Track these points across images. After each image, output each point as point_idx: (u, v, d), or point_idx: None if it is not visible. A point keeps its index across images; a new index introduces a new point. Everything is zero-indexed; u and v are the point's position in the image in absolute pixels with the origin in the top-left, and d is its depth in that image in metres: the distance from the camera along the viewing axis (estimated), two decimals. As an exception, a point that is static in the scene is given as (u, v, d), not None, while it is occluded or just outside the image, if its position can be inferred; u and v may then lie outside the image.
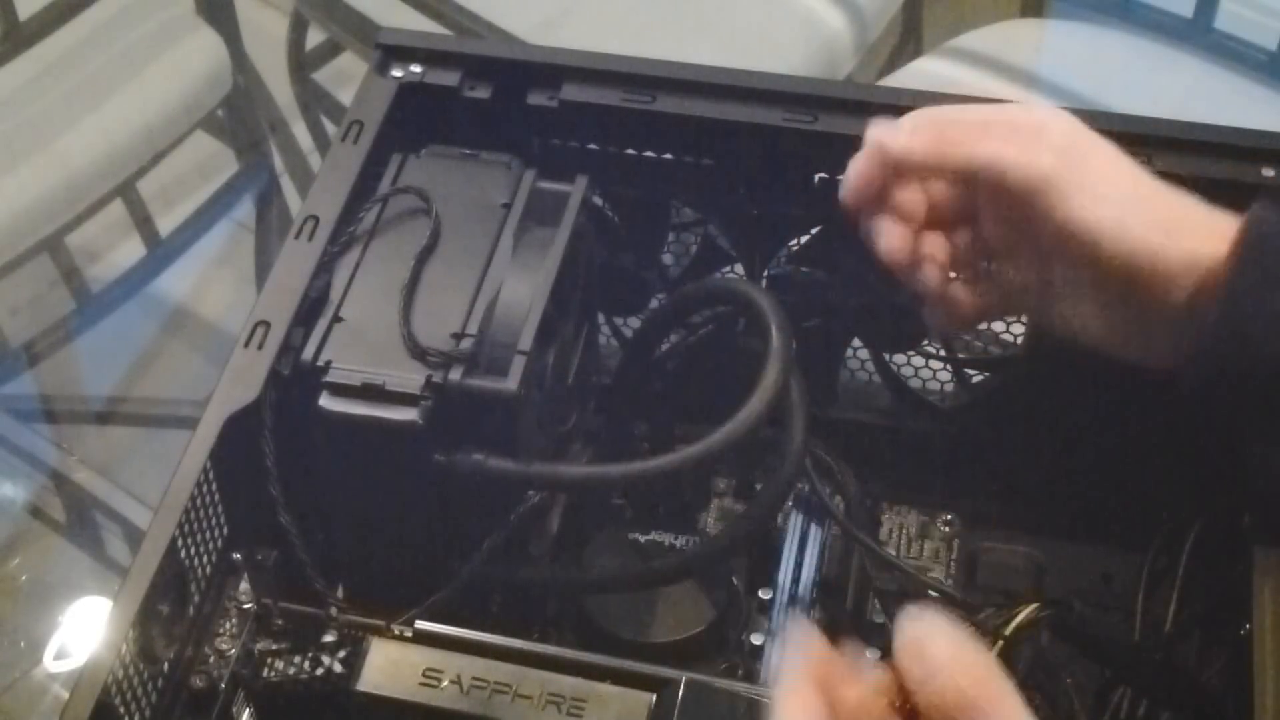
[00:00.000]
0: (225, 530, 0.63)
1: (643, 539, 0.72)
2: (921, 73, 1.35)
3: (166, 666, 0.60)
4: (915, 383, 0.78)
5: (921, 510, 0.76)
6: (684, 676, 0.59)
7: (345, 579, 0.65)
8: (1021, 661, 0.63)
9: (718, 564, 0.69)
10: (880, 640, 0.68)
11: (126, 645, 0.56)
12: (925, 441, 0.77)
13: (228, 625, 0.62)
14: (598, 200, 0.74)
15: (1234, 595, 0.63)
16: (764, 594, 0.70)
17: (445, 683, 0.60)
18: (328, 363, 0.60)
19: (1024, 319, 0.75)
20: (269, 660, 0.61)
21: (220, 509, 0.62)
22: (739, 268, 0.77)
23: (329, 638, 0.61)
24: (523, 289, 0.63)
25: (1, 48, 1.38)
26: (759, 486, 0.75)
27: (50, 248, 1.41)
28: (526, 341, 0.61)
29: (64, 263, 1.51)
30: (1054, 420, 0.73)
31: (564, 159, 0.72)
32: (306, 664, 0.61)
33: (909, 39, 1.60)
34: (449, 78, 0.73)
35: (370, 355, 0.60)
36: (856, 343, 0.78)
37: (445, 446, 0.60)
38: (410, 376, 0.59)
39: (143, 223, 1.53)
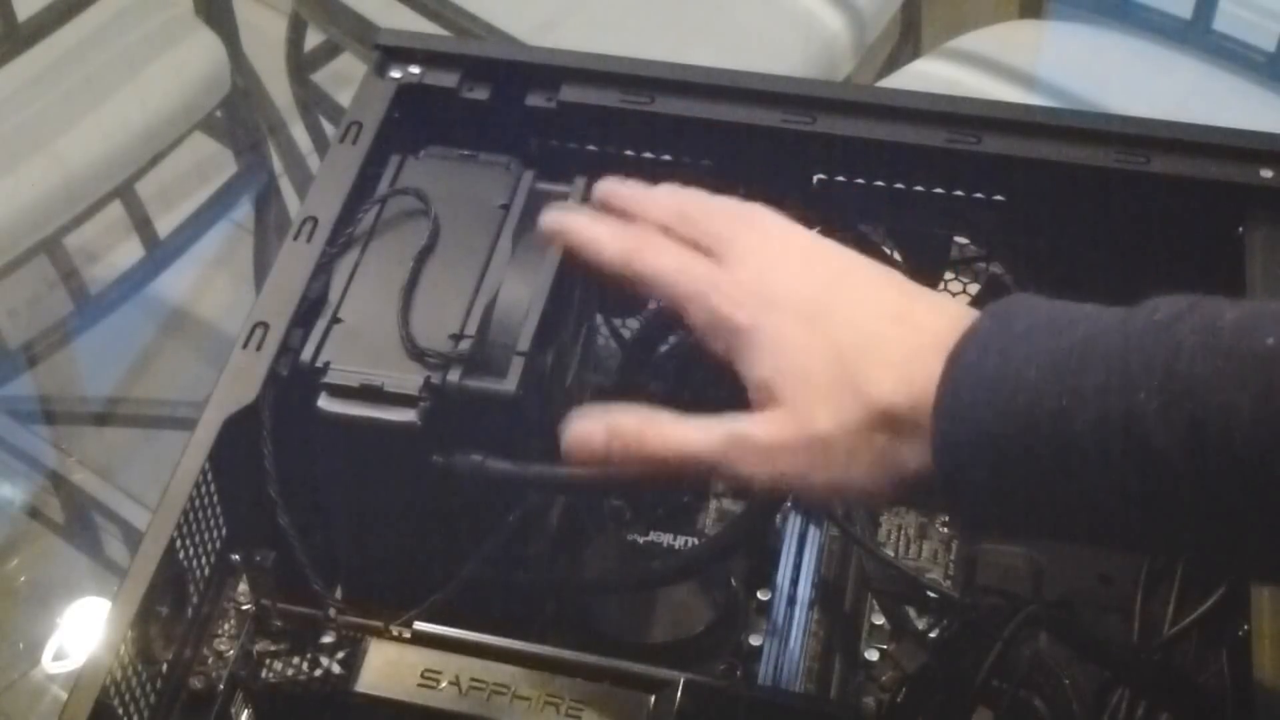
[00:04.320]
0: (224, 531, 0.63)
1: (641, 540, 0.72)
2: (920, 74, 1.35)
3: (165, 667, 0.60)
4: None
5: (920, 511, 0.76)
6: (682, 678, 0.59)
7: (344, 580, 0.65)
8: (1020, 663, 0.63)
9: (716, 565, 0.69)
10: (880, 641, 0.68)
11: (125, 646, 0.56)
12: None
13: (226, 626, 0.62)
14: (596, 201, 0.73)
15: (1233, 595, 0.63)
16: (763, 595, 0.70)
17: (444, 684, 0.60)
18: (326, 364, 0.60)
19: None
20: (267, 661, 0.61)
21: (219, 510, 0.62)
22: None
23: (327, 639, 0.61)
24: (521, 290, 0.63)
25: (1, 48, 1.38)
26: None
27: (49, 249, 1.41)
28: (525, 343, 0.61)
29: (63, 264, 1.51)
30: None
31: (563, 160, 0.72)
32: (305, 665, 0.61)
33: (908, 40, 1.61)
34: (448, 79, 0.73)
35: (369, 356, 0.60)
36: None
37: (444, 448, 0.60)
38: (409, 378, 0.59)
39: (141, 224, 1.53)
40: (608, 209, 0.60)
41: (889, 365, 0.51)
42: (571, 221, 0.60)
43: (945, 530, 0.75)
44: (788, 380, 0.52)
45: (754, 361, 0.53)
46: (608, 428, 0.54)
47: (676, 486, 0.74)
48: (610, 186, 0.61)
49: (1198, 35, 1.32)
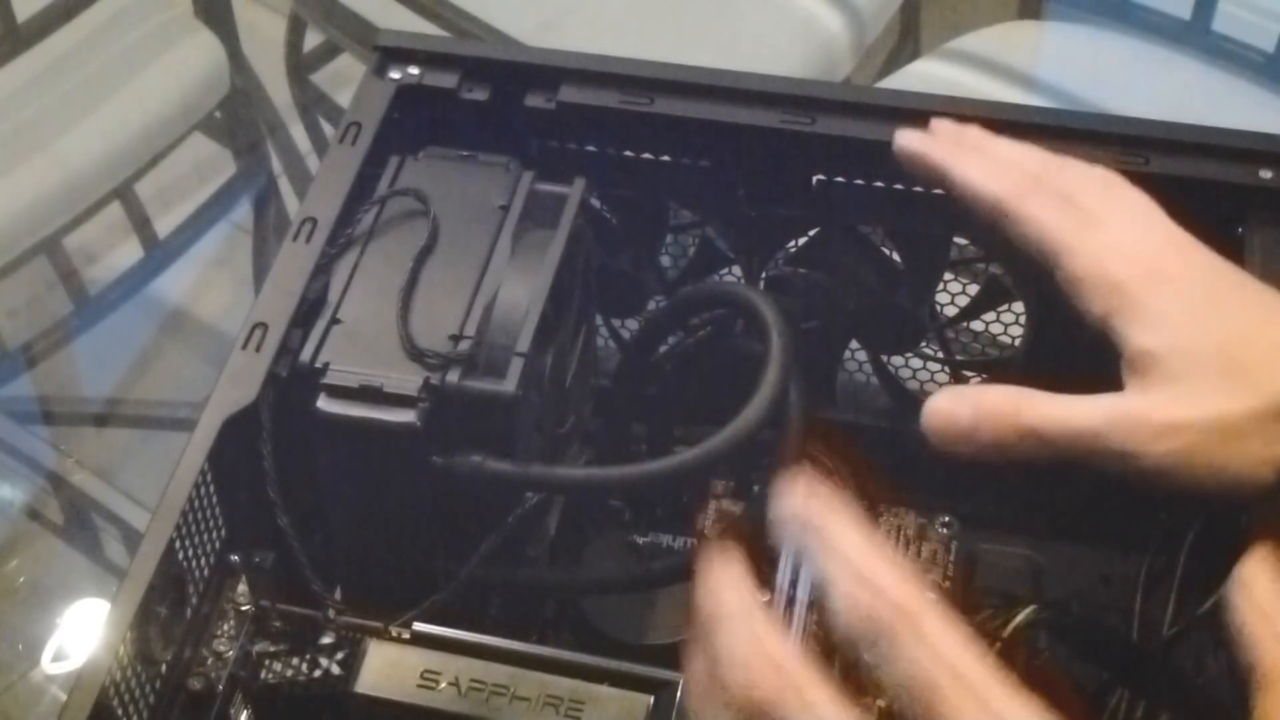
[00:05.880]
0: (223, 532, 0.63)
1: (641, 540, 0.72)
2: (919, 74, 1.35)
3: (164, 668, 0.60)
4: (913, 384, 0.78)
5: (919, 512, 0.76)
6: (682, 678, 0.59)
7: (343, 581, 0.65)
8: (1020, 663, 0.63)
9: (716, 566, 0.69)
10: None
11: (124, 647, 0.56)
12: (923, 443, 0.77)
13: (225, 627, 0.62)
14: (595, 202, 0.74)
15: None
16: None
17: (443, 684, 0.60)
18: (325, 365, 0.60)
19: (1020, 320, 0.75)
20: (267, 662, 0.61)
21: (218, 511, 0.62)
22: (737, 269, 0.77)
23: (327, 639, 0.61)
24: (521, 291, 0.63)
25: (1, 48, 1.38)
26: (757, 488, 0.75)
27: (48, 249, 1.41)
28: (524, 343, 0.61)
29: (62, 264, 1.51)
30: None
31: (562, 161, 0.72)
32: (304, 666, 0.61)
33: (907, 41, 1.61)
34: (447, 79, 0.73)
35: (368, 357, 0.60)
36: (854, 344, 0.77)
37: (443, 448, 0.60)
38: (408, 378, 0.59)
39: (141, 224, 1.53)
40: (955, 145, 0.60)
41: None
42: (944, 147, 0.60)
43: (945, 531, 0.75)
44: (1176, 357, 0.52)
45: (1139, 329, 0.53)
46: (975, 405, 0.53)
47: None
48: (952, 128, 0.61)
49: (1197, 35, 1.32)
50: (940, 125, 0.62)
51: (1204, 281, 0.54)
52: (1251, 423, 0.51)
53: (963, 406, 0.53)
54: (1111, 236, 0.55)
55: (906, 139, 0.61)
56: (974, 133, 0.62)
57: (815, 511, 0.46)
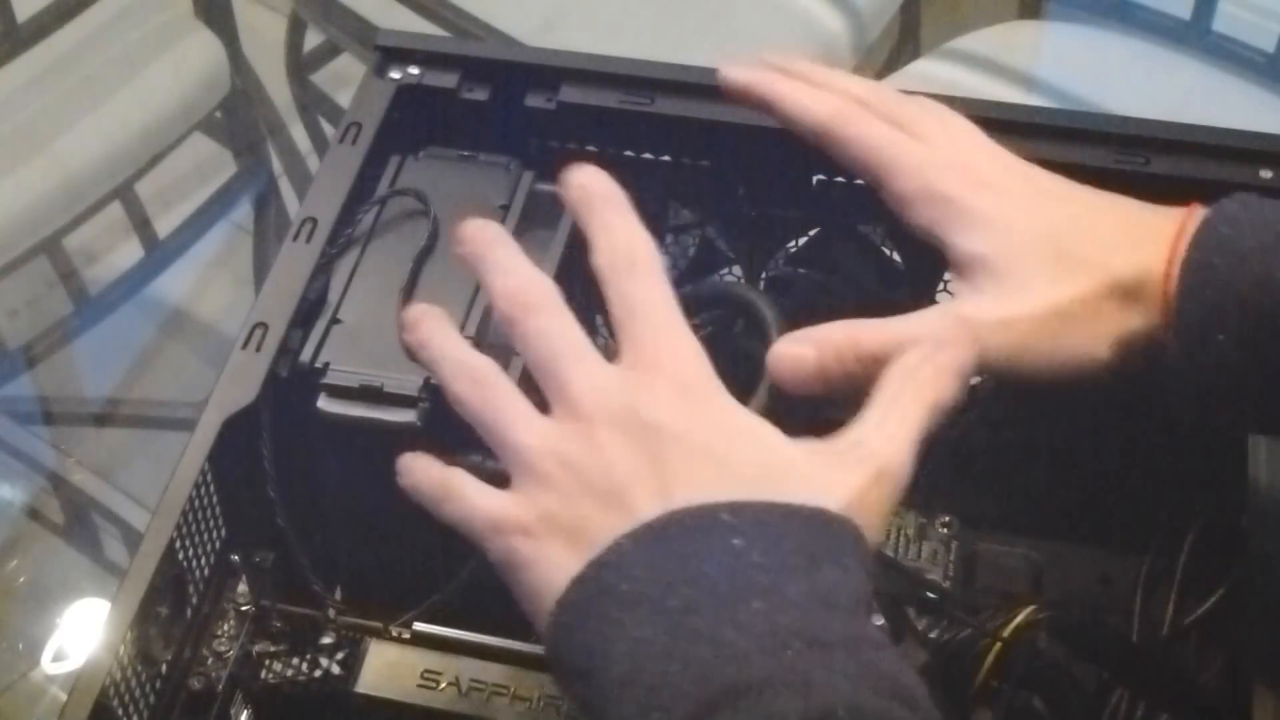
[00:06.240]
0: (223, 532, 0.63)
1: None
2: (920, 74, 1.35)
3: (165, 668, 0.60)
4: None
5: (919, 512, 0.76)
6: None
7: (343, 581, 0.65)
8: (1020, 663, 0.63)
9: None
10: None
11: (124, 647, 0.56)
12: (922, 443, 0.77)
13: (226, 627, 0.62)
14: (596, 202, 0.73)
15: (1233, 595, 0.63)
16: None
17: (443, 684, 0.60)
18: (326, 364, 0.60)
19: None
20: (267, 662, 0.61)
21: (218, 511, 0.62)
22: (737, 269, 0.77)
23: (327, 639, 0.61)
24: (521, 291, 0.62)
25: (1, 48, 1.38)
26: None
27: (48, 249, 1.41)
28: (525, 343, 0.61)
29: (62, 264, 1.51)
30: (1052, 421, 0.73)
31: (562, 160, 0.72)
32: (304, 666, 0.61)
33: (907, 41, 1.61)
34: (447, 79, 0.73)
35: (368, 357, 0.60)
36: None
37: (444, 448, 0.60)
38: (408, 378, 0.59)
39: (141, 224, 1.53)
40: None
41: (1116, 241, 0.54)
42: (768, 78, 0.60)
43: (945, 530, 0.75)
44: (1007, 256, 0.54)
45: (968, 235, 0.55)
46: (815, 343, 0.54)
47: None
48: (778, 60, 0.61)
49: (1197, 36, 1.32)
50: (767, 58, 0.62)
51: (1028, 186, 0.56)
52: (1084, 305, 0.53)
53: (805, 347, 0.54)
54: (935, 153, 0.57)
55: (732, 72, 0.61)
56: (799, 63, 0.62)
57: (603, 187, 0.57)
